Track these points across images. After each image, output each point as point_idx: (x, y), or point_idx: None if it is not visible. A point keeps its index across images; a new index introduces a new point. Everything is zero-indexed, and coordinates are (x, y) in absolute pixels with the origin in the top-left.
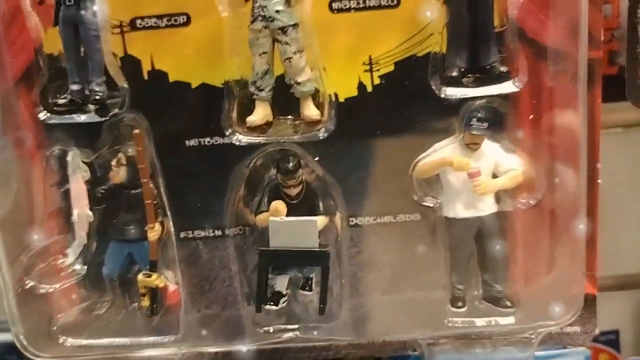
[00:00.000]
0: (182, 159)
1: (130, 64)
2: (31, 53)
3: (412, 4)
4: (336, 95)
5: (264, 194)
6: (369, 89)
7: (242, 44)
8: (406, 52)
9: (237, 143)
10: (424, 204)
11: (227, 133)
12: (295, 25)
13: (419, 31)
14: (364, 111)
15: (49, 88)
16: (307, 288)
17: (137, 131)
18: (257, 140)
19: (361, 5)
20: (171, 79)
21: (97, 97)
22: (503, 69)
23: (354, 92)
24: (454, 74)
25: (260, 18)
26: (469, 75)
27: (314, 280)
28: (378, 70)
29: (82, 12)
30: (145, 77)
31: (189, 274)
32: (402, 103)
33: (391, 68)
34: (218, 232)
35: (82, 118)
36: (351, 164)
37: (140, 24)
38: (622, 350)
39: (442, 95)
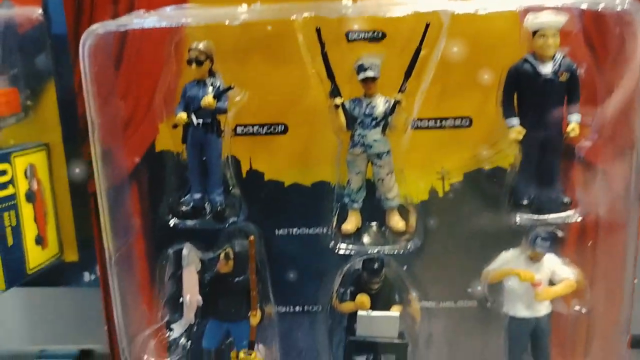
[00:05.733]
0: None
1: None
2: (143, 149)
3: (483, 125)
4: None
5: (348, 284)
6: (440, 194)
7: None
8: (475, 165)
9: (338, 251)
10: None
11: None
12: (388, 152)
13: (488, 149)
14: (433, 213)
15: (173, 195)
16: None
17: (251, 237)
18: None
19: (438, 125)
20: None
21: (217, 207)
22: (566, 200)
23: (425, 197)
24: (524, 202)
25: (359, 145)
26: (536, 202)
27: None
28: (449, 179)
29: (209, 134)
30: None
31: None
32: (468, 207)
33: (460, 178)
34: (310, 308)
35: (201, 224)
36: (422, 259)
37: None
38: None
39: (514, 221)
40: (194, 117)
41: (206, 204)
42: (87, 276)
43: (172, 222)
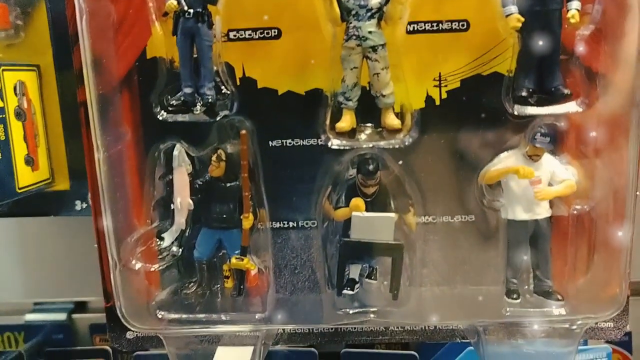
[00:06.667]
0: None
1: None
2: (134, 56)
3: (480, 29)
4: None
5: (342, 191)
6: (437, 102)
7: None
8: (472, 71)
9: (331, 146)
10: (491, 207)
11: (322, 137)
12: (384, 45)
13: (485, 53)
14: (430, 122)
15: (164, 90)
16: (372, 277)
17: (243, 132)
18: (350, 145)
19: (434, 28)
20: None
21: (209, 100)
22: (567, 91)
23: (421, 105)
24: (524, 94)
25: (354, 37)
26: (536, 95)
27: (378, 271)
28: (446, 86)
29: (200, 24)
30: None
31: (277, 259)
32: (466, 116)
33: (457, 85)
34: (305, 223)
35: (192, 118)
36: (415, 170)
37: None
38: (633, 352)
39: (512, 112)
40: (184, 3)
41: (197, 100)
42: (78, 205)
43: (162, 117)
